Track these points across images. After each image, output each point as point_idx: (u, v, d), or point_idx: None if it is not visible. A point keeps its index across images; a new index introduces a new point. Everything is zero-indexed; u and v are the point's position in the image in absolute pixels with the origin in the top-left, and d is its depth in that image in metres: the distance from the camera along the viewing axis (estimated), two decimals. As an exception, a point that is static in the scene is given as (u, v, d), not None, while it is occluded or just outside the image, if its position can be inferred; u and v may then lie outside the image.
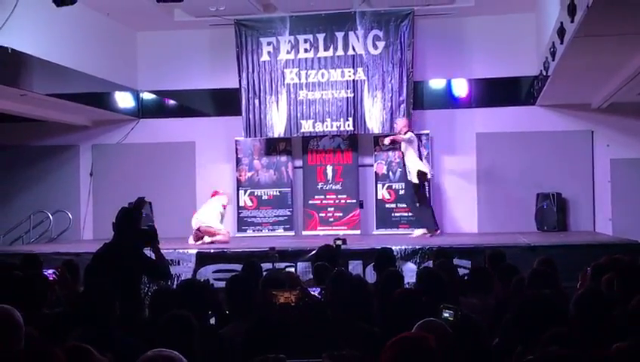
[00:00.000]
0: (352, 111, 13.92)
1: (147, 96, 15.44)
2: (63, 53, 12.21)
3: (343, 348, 4.35)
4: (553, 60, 10.78)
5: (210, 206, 12.85)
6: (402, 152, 12.93)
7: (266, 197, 14.57)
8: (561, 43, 9.65)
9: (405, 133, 12.76)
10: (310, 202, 14.58)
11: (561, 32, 9.47)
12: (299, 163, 14.77)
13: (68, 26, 12.37)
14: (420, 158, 12.97)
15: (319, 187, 14.56)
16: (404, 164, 12.95)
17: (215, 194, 13.12)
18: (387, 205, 14.41)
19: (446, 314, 4.49)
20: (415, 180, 12.71)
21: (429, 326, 3.90)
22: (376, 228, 14.35)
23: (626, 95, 12.47)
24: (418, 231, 12.94)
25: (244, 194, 14.65)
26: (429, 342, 2.98)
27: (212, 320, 5.79)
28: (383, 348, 3.06)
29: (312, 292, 5.75)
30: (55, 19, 11.79)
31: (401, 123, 13.08)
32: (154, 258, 6.79)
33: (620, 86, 11.73)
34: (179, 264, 10.79)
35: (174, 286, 9.91)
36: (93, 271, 6.60)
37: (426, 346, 2.95)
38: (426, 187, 13.29)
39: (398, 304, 5.05)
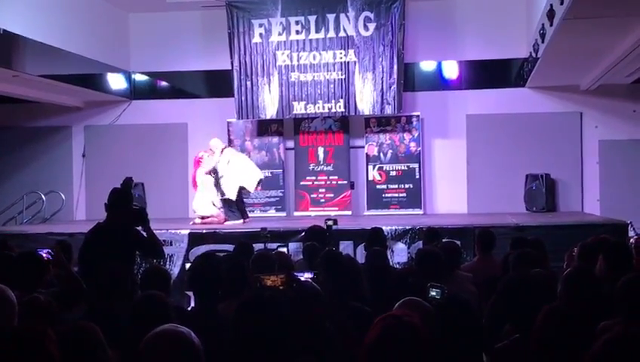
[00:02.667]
0: (344, 93, 13.96)
1: (139, 77, 15.47)
2: (55, 35, 12.21)
3: (335, 326, 4.45)
4: (543, 42, 10.84)
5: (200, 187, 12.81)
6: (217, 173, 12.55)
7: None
8: (551, 25, 9.71)
9: (222, 150, 12.60)
10: (302, 183, 14.66)
11: (550, 14, 9.53)
12: (290, 144, 14.84)
13: (60, 8, 12.39)
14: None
15: (311, 168, 14.64)
16: (218, 181, 12.57)
17: (197, 163, 12.87)
18: (378, 186, 14.50)
19: (433, 293, 4.53)
20: (233, 197, 12.46)
21: (410, 305, 3.96)
22: (367, 209, 14.45)
23: (614, 77, 12.57)
24: (235, 221, 12.50)
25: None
26: (414, 320, 3.03)
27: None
28: (370, 326, 3.11)
29: (305, 276, 5.79)
30: (47, 0, 11.80)
31: (215, 144, 12.70)
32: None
33: (608, 68, 11.81)
34: (171, 244, 10.84)
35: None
36: (87, 251, 6.64)
37: (412, 324, 3.01)
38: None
39: (396, 284, 5.11)
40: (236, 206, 12.63)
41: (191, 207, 14.58)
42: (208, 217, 12.43)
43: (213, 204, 12.56)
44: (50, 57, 12.32)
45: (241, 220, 12.48)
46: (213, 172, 12.57)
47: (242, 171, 12.61)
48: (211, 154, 12.64)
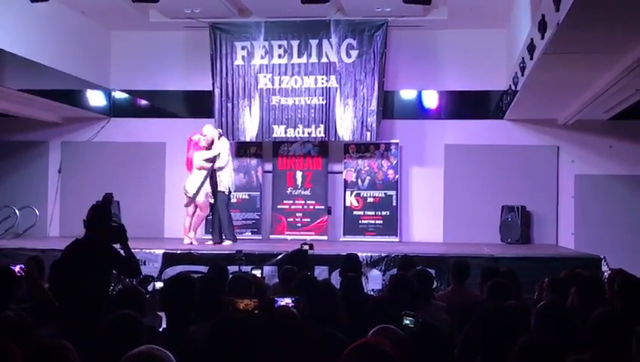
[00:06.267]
0: (324, 118, 14.01)
1: (119, 95, 15.42)
2: (36, 50, 12.16)
3: (308, 352, 4.42)
4: (522, 75, 10.94)
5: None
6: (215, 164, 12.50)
7: (235, 201, 14.56)
8: (531, 59, 9.81)
9: (219, 137, 12.75)
10: (279, 207, 14.63)
11: (531, 48, 9.64)
12: (269, 167, 14.83)
13: (42, 23, 12.35)
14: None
15: (288, 192, 14.63)
16: (216, 177, 12.53)
17: (195, 145, 12.74)
18: (355, 212, 14.50)
19: (407, 321, 4.53)
20: (227, 190, 12.61)
21: (383, 333, 3.95)
22: (344, 235, 14.44)
23: (592, 112, 12.69)
24: (227, 242, 12.58)
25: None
26: (385, 348, 3.03)
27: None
28: (342, 354, 3.11)
29: (285, 301, 5.75)
30: (29, 15, 11.76)
31: (209, 130, 12.74)
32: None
33: (586, 103, 11.91)
34: (145, 264, 10.75)
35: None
36: (61, 267, 6.58)
37: (383, 351, 3.01)
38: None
39: (371, 310, 5.10)
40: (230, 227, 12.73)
41: (166, 226, 14.60)
42: (194, 203, 12.49)
43: (207, 193, 12.55)
44: (30, 72, 12.27)
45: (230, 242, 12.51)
46: (212, 161, 12.51)
47: (226, 170, 12.61)
48: (206, 140, 12.54)
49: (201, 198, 12.48)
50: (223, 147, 12.62)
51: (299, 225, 14.52)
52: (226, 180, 12.59)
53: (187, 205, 12.64)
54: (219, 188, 12.58)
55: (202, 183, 12.45)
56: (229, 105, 14.21)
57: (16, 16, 11.58)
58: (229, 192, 12.73)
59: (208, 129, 12.81)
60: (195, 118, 14.84)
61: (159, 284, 7.57)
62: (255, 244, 12.69)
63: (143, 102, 15.56)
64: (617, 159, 14.23)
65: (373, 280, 10.62)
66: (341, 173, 14.66)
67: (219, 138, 12.75)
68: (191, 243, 12.34)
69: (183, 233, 12.69)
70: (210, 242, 12.62)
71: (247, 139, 14.29)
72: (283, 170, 14.69)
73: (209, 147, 12.56)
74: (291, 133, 14.16)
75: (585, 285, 5.90)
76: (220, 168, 12.51)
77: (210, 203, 12.63)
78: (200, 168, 12.42)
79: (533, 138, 14.44)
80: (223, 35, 14.19)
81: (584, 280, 6.18)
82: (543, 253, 11.81)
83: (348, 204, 14.55)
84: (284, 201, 14.63)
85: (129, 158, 14.98)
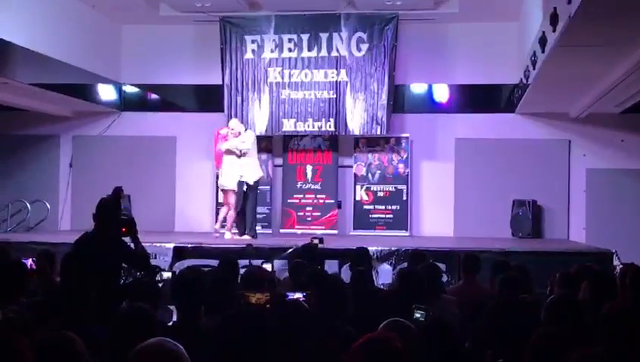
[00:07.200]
0: (334, 112, 13.99)
1: (130, 89, 15.43)
2: (46, 43, 12.18)
3: (317, 346, 4.42)
4: (534, 69, 10.89)
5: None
6: (240, 155, 12.48)
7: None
8: (543, 52, 9.76)
9: (245, 130, 12.81)
10: (289, 201, 14.63)
11: (542, 41, 9.58)
12: (279, 161, 14.82)
13: (53, 16, 12.38)
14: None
15: (298, 186, 14.62)
16: (239, 165, 12.50)
17: (223, 138, 12.75)
18: (365, 206, 14.49)
19: (417, 315, 4.54)
20: (253, 181, 12.60)
21: (394, 327, 3.94)
22: (354, 229, 14.43)
23: (603, 106, 12.62)
24: (246, 236, 12.44)
25: (224, 190, 14.68)
26: (394, 343, 3.01)
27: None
28: (350, 349, 3.09)
29: (296, 296, 5.75)
30: (40, 8, 11.80)
31: (236, 124, 12.80)
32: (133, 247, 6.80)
33: (598, 97, 11.86)
34: (155, 258, 10.75)
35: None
36: (72, 261, 6.58)
37: (392, 346, 2.99)
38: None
39: (381, 304, 5.10)
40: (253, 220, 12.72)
41: (177, 220, 14.61)
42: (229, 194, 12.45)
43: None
44: (41, 66, 12.28)
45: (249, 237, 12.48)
46: (238, 148, 12.49)
47: (250, 161, 12.60)
48: (234, 133, 12.56)
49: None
50: (249, 137, 12.64)
51: (309, 219, 14.51)
52: (254, 172, 12.58)
53: (237, 208, 12.49)
54: (251, 180, 12.56)
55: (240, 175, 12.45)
56: (239, 98, 14.19)
57: (27, 11, 11.60)
58: (257, 183, 12.71)
59: (235, 123, 12.89)
60: (205, 111, 14.90)
61: (166, 274, 7.55)
62: (265, 238, 12.67)
63: (154, 96, 15.58)
64: (629, 153, 14.17)
65: (384, 275, 10.57)
66: (351, 167, 14.64)
67: (245, 131, 12.81)
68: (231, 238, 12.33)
69: (215, 222, 12.73)
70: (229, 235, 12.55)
71: (257, 133, 14.19)
72: (293, 164, 14.68)
73: None
74: (301, 127, 14.14)
75: (596, 279, 5.88)
76: (244, 155, 12.48)
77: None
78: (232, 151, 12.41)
79: (545, 132, 14.39)
80: (233, 29, 14.17)
81: (595, 274, 6.15)
82: (554, 247, 11.77)
83: (358, 198, 14.55)
84: (295, 195, 14.62)
85: (140, 152, 15.01)
